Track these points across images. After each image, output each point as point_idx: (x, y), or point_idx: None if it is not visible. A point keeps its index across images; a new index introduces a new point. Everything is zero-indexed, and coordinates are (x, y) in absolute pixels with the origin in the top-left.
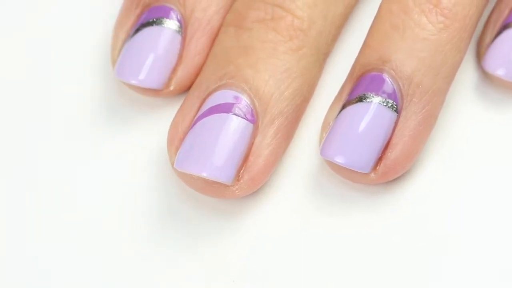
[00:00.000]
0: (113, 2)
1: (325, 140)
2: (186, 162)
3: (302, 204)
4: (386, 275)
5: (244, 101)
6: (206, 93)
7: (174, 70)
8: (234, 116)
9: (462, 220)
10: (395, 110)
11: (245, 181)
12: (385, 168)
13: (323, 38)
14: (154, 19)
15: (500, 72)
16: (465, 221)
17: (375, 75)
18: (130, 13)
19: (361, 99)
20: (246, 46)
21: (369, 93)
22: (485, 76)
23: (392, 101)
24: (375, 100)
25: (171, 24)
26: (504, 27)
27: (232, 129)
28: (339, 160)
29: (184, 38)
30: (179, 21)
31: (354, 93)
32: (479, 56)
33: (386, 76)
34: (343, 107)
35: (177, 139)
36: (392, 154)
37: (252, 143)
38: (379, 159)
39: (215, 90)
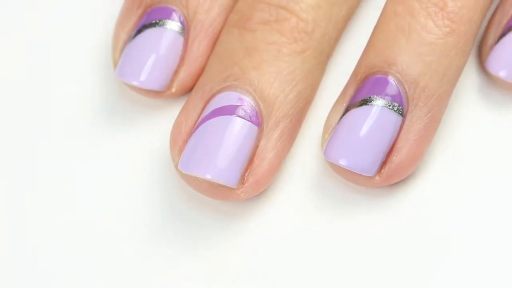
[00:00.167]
0: (113, 2)
1: (329, 142)
2: (191, 164)
3: (304, 205)
4: (388, 278)
5: (249, 103)
6: (210, 94)
7: (176, 72)
8: (239, 118)
9: (465, 223)
10: (400, 114)
11: (250, 184)
12: (390, 171)
13: (326, 40)
14: (157, 21)
15: (502, 74)
16: (468, 223)
17: (380, 78)
18: (132, 13)
19: (366, 101)
20: (250, 47)
21: (374, 96)
22: (488, 78)
23: (397, 105)
24: (381, 103)
25: (173, 25)
26: (509, 29)
27: (237, 131)
28: (344, 163)
29: (186, 40)
30: (181, 22)
31: (359, 96)
32: (482, 56)
33: (391, 79)
34: (347, 109)
35: (180, 140)
36: (397, 158)
37: (257, 146)
38: (384, 163)
39: (219, 91)
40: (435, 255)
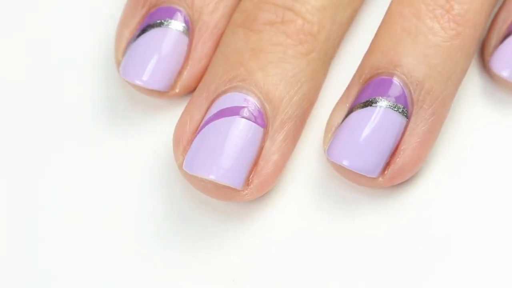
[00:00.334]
0: (114, 2)
1: (332, 142)
2: (195, 165)
3: (306, 205)
4: (389, 278)
5: (254, 105)
6: (215, 94)
7: (179, 73)
8: (245, 120)
9: (467, 224)
10: (405, 115)
11: (255, 185)
12: (393, 173)
13: (330, 42)
14: (162, 20)
15: (505, 74)
16: (470, 224)
17: (385, 79)
18: (136, 12)
19: (370, 102)
20: (256, 48)
21: (379, 97)
22: (491, 78)
23: (402, 106)
24: (385, 105)
25: (178, 25)
26: None
27: (242, 132)
28: (348, 163)
29: (191, 41)
30: (186, 22)
31: (363, 96)
32: (485, 56)
33: (396, 81)
34: (351, 110)
35: (184, 140)
36: (400, 159)
37: (262, 147)
38: (387, 164)
39: (224, 92)
40: (436, 255)
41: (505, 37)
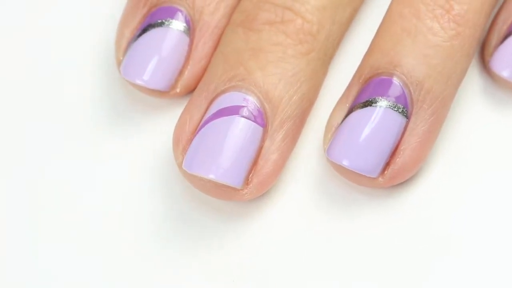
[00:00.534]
0: (114, 2)
1: (332, 142)
2: (195, 164)
3: (305, 205)
4: (389, 278)
5: (254, 104)
6: (215, 94)
7: (180, 72)
8: (244, 119)
9: (467, 224)
10: (405, 115)
11: (255, 185)
12: (393, 173)
13: (330, 42)
14: (163, 20)
15: (505, 74)
16: (470, 224)
17: (384, 79)
18: (137, 11)
19: (370, 102)
20: (255, 48)
21: (379, 97)
22: (491, 78)
23: (402, 106)
24: (385, 105)
25: (179, 25)
26: None
27: (242, 131)
28: (347, 163)
29: (191, 41)
30: (187, 22)
31: (363, 96)
32: (485, 56)
33: (396, 81)
34: (351, 109)
35: (184, 140)
36: (400, 159)
37: (261, 147)
38: (387, 164)
39: (224, 91)
40: (436, 255)
41: (505, 37)
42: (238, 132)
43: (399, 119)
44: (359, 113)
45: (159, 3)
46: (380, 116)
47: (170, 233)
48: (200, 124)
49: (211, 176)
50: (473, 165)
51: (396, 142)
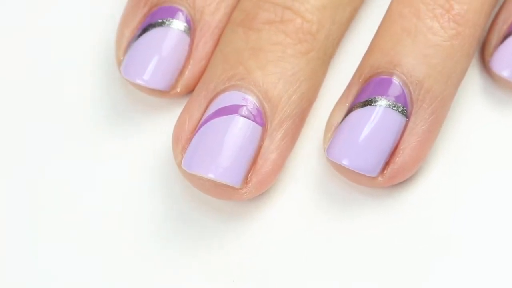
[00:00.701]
0: (114, 2)
1: (332, 141)
2: (194, 163)
3: (305, 205)
4: (389, 278)
5: (253, 103)
6: (214, 93)
7: (181, 72)
8: (243, 118)
9: (467, 224)
10: (404, 115)
11: (254, 184)
12: (393, 172)
13: (330, 41)
14: (164, 20)
15: (505, 73)
16: (470, 224)
17: (384, 79)
18: (137, 11)
19: (370, 102)
20: (255, 47)
21: (379, 97)
22: (491, 78)
23: (402, 106)
24: (385, 104)
25: (179, 25)
26: None
27: (241, 131)
28: (347, 162)
29: (192, 40)
30: (187, 22)
31: (363, 96)
32: (485, 56)
33: (396, 80)
34: (351, 109)
35: (183, 139)
36: (400, 159)
37: (261, 146)
38: (387, 163)
39: (223, 90)
40: (436, 255)
41: (505, 37)
42: (237, 132)
43: (398, 119)
44: (359, 112)
45: (160, 2)
46: (380, 116)
47: (170, 233)
48: (200, 123)
49: (210, 176)
50: (473, 165)
51: (396, 142)
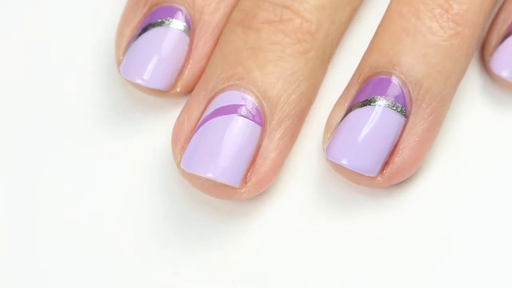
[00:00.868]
0: (114, 2)
1: (331, 141)
2: (193, 163)
3: (305, 205)
4: (389, 278)
5: (252, 103)
6: (213, 92)
7: (180, 72)
8: (242, 118)
9: (467, 224)
10: (403, 115)
11: (253, 183)
12: (392, 172)
13: (329, 41)
14: (163, 20)
15: (505, 74)
16: (470, 224)
17: (383, 78)
18: (137, 10)
19: (369, 101)
20: (254, 47)
21: (378, 96)
22: (490, 78)
23: (401, 105)
24: (384, 104)
25: (179, 25)
26: None
27: (240, 130)
28: (346, 162)
29: (192, 40)
30: (187, 22)
31: (362, 95)
32: (485, 56)
33: (395, 80)
34: (350, 109)
35: (183, 138)
36: (399, 159)
37: (260, 146)
38: (386, 163)
39: (222, 90)
40: (436, 255)
41: (505, 37)
42: (236, 131)
43: (398, 118)
44: (358, 112)
45: (160, 2)
46: (379, 115)
47: (170, 233)
48: (199, 123)
49: (209, 175)
50: (472, 165)
51: (395, 141)
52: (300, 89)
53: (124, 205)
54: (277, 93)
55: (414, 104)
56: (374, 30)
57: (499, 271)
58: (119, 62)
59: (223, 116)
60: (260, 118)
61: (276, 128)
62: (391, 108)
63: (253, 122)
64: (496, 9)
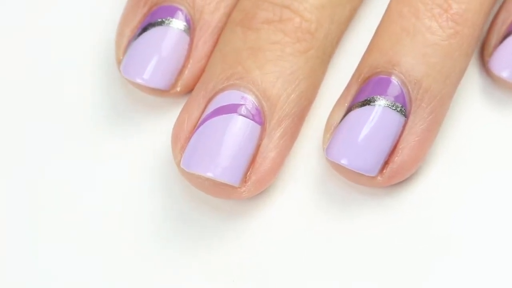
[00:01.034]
0: (114, 2)
1: (331, 141)
2: (193, 162)
3: (305, 204)
4: (389, 278)
5: (252, 102)
6: (213, 92)
7: (180, 71)
8: (242, 117)
9: (467, 224)
10: (403, 114)
11: (253, 182)
12: (392, 172)
13: (328, 40)
14: (163, 19)
15: (505, 74)
16: (470, 224)
17: (383, 78)
18: (137, 10)
19: (369, 101)
20: (254, 47)
21: (378, 96)
22: (490, 78)
23: (400, 105)
24: (384, 103)
25: (179, 24)
26: None
27: (240, 130)
28: (346, 162)
29: (192, 40)
30: (187, 21)
31: (362, 95)
32: (484, 57)
33: (394, 80)
34: (350, 109)
35: (182, 138)
36: (399, 158)
37: (259, 145)
38: (386, 163)
39: (222, 90)
40: (436, 255)
41: (505, 37)
42: (236, 131)
43: (397, 118)
44: (357, 112)
45: (160, 2)
46: (378, 115)
47: (170, 233)
48: (198, 123)
49: (209, 175)
50: (472, 165)
51: (395, 141)
52: (299, 88)
53: (124, 205)
54: (276, 92)
55: (413, 103)
56: (374, 30)
57: (499, 271)
58: (119, 62)
59: (223, 116)
60: (259, 117)
61: (276, 127)
62: (390, 108)
63: (252, 122)
64: (495, 9)
